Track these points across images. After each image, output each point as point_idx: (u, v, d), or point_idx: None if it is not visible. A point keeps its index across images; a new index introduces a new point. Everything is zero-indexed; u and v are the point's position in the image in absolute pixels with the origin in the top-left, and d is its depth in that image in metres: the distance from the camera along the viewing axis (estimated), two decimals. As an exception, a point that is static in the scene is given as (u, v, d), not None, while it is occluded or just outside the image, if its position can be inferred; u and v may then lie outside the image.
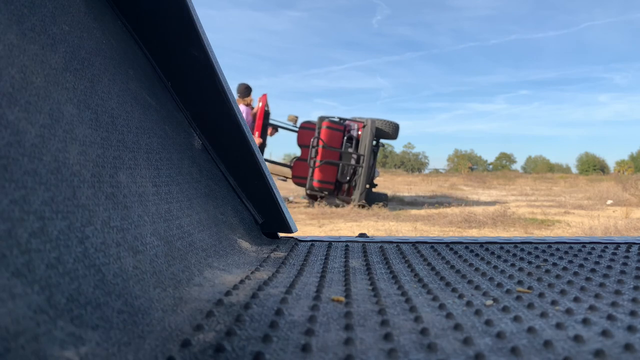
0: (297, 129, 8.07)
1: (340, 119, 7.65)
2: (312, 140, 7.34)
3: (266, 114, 8.00)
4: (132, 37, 0.88)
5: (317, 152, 7.33)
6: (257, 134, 7.33)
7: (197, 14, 0.89)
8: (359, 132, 7.56)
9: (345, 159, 7.38)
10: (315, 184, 7.57)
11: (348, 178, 7.41)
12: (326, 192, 7.78)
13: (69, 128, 0.52)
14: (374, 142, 7.74)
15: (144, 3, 0.86)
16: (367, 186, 7.58)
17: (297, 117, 8.22)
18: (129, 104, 0.74)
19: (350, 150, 7.48)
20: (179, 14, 0.86)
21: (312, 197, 8.15)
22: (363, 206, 7.25)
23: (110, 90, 0.68)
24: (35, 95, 0.48)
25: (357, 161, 7.30)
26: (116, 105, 0.69)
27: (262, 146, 7.90)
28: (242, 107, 6.93)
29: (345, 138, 7.59)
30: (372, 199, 7.47)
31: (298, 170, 7.69)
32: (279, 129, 8.23)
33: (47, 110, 0.49)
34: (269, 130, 7.92)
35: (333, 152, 7.42)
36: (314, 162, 7.29)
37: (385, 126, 7.74)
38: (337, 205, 7.96)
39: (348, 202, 7.43)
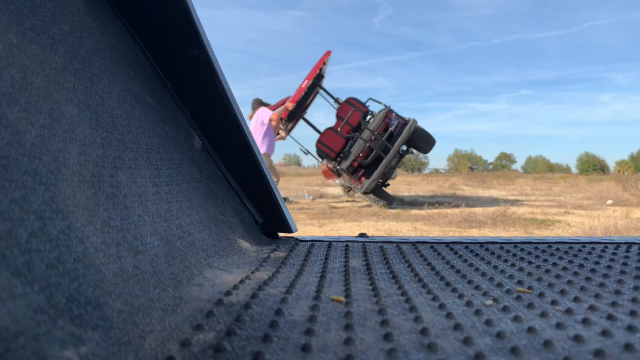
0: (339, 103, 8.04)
1: (386, 106, 7.57)
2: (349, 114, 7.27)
3: (319, 77, 7.90)
4: (132, 37, 0.88)
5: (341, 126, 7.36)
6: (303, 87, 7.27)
7: (197, 14, 0.89)
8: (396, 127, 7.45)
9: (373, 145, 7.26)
10: (318, 144, 7.55)
11: (368, 161, 7.29)
12: (324, 159, 7.77)
13: (69, 128, 0.52)
14: (405, 147, 7.70)
15: (144, 3, 0.86)
16: (380, 182, 7.55)
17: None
18: (129, 104, 0.74)
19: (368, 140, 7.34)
20: (179, 14, 0.86)
21: (328, 174, 8.14)
22: (366, 193, 7.20)
23: (110, 90, 0.68)
24: (35, 95, 0.48)
25: (384, 152, 7.18)
26: (116, 105, 0.69)
27: (299, 108, 7.82)
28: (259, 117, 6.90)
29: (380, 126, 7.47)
30: (379, 194, 7.41)
31: (325, 137, 7.64)
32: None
33: (47, 110, 0.49)
34: (281, 132, 7.82)
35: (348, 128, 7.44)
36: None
37: (423, 134, 7.59)
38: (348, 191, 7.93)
39: (356, 183, 7.34)
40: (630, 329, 0.50)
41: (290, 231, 1.17)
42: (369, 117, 7.63)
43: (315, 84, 8.00)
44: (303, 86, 7.43)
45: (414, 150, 8.00)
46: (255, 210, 1.13)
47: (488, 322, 0.52)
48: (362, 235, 1.22)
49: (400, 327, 0.51)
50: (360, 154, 7.17)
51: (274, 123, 7.03)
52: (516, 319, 0.54)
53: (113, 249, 0.52)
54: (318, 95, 8.86)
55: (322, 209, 6.93)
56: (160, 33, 0.90)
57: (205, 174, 0.99)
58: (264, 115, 6.91)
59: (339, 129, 7.38)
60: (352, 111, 7.45)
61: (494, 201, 8.66)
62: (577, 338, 0.47)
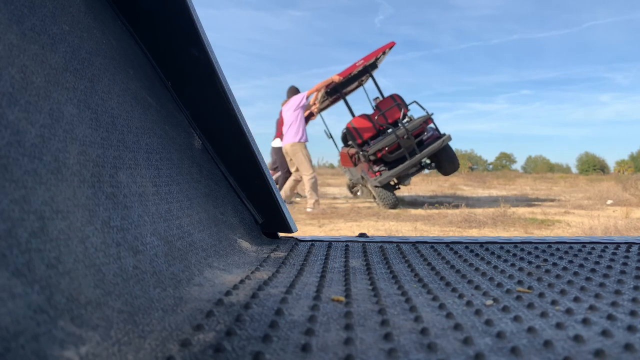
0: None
1: (428, 113, 7.48)
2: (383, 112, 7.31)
3: (373, 65, 7.84)
4: (132, 37, 0.88)
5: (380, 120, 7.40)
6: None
7: (197, 14, 0.89)
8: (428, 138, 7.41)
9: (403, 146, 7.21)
10: (349, 126, 7.56)
11: (391, 157, 7.23)
12: (350, 144, 7.77)
13: (69, 128, 0.52)
14: (428, 161, 7.68)
15: (144, 3, 0.86)
16: (393, 182, 7.58)
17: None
18: (129, 104, 0.74)
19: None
20: (179, 14, 0.86)
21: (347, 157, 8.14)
22: (377, 187, 7.22)
23: (110, 90, 0.68)
24: (35, 95, 0.48)
25: (410, 154, 7.16)
26: (116, 105, 0.69)
27: (344, 86, 7.76)
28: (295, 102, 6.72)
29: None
30: (388, 191, 7.42)
31: (358, 122, 7.66)
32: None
33: (47, 110, 0.49)
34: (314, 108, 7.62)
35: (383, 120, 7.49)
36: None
37: (450, 155, 7.51)
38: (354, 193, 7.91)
39: (370, 174, 7.31)
40: (630, 329, 0.50)
41: (290, 231, 1.17)
42: (407, 119, 7.61)
43: (366, 70, 7.94)
44: (357, 64, 7.35)
45: (436, 169, 7.92)
46: (255, 210, 1.13)
47: (488, 322, 0.52)
48: (362, 235, 1.22)
49: (400, 327, 0.51)
50: (387, 148, 7.13)
51: (309, 93, 6.83)
52: (516, 319, 0.54)
53: (113, 249, 0.52)
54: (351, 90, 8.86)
55: (322, 209, 6.93)
56: (160, 33, 0.90)
57: (205, 174, 0.99)
58: (300, 97, 6.68)
59: (375, 118, 7.36)
60: (393, 106, 7.42)
61: (493, 201, 8.67)
62: (577, 338, 0.47)
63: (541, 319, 0.54)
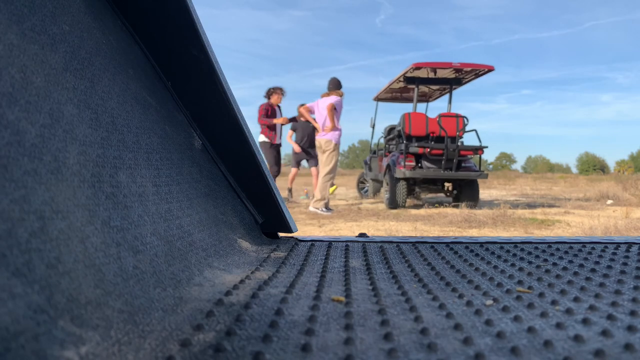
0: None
1: (481, 144, 7.54)
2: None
3: (458, 81, 8.06)
4: (132, 37, 0.88)
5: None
6: None
7: (198, 14, 0.89)
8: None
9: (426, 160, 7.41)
10: (406, 116, 7.83)
11: (429, 160, 7.33)
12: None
13: (69, 128, 0.52)
14: (451, 187, 7.90)
15: (144, 3, 0.86)
16: (412, 182, 7.75)
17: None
18: (129, 104, 0.74)
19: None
20: (179, 14, 0.86)
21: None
22: (399, 179, 7.35)
23: (110, 90, 0.68)
24: (35, 95, 0.48)
25: (445, 168, 7.19)
26: (116, 105, 0.69)
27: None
28: (336, 98, 6.46)
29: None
30: (405, 192, 7.48)
31: (416, 117, 7.91)
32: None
33: (47, 110, 0.49)
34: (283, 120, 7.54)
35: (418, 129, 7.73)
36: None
37: (475, 190, 7.62)
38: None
39: (399, 166, 7.35)
40: (630, 329, 0.50)
41: (290, 231, 1.17)
42: (460, 140, 7.71)
43: (449, 82, 8.13)
44: (453, 64, 7.43)
45: (452, 200, 7.93)
46: (255, 210, 1.13)
47: (488, 322, 0.52)
48: (362, 235, 1.22)
49: (400, 327, 0.51)
50: (431, 150, 7.16)
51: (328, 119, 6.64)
52: (516, 319, 0.54)
53: (113, 249, 0.52)
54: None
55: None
56: (160, 33, 0.90)
57: (205, 174, 0.99)
58: (337, 101, 6.39)
59: (437, 121, 7.47)
60: (456, 119, 7.57)
61: (494, 201, 8.67)
62: (577, 338, 0.47)
63: (541, 319, 0.54)
